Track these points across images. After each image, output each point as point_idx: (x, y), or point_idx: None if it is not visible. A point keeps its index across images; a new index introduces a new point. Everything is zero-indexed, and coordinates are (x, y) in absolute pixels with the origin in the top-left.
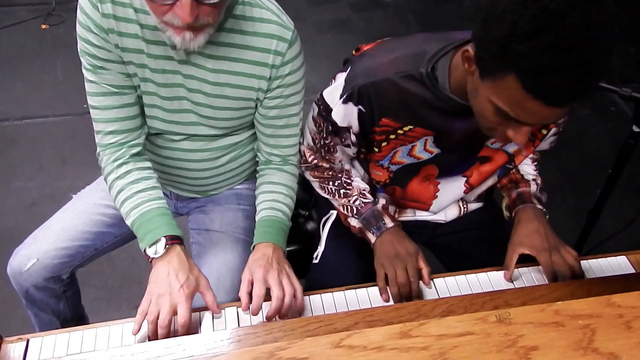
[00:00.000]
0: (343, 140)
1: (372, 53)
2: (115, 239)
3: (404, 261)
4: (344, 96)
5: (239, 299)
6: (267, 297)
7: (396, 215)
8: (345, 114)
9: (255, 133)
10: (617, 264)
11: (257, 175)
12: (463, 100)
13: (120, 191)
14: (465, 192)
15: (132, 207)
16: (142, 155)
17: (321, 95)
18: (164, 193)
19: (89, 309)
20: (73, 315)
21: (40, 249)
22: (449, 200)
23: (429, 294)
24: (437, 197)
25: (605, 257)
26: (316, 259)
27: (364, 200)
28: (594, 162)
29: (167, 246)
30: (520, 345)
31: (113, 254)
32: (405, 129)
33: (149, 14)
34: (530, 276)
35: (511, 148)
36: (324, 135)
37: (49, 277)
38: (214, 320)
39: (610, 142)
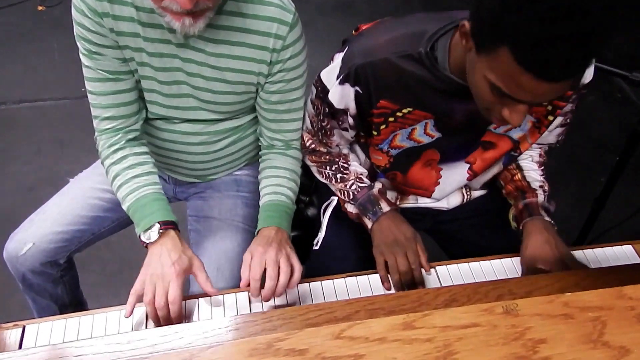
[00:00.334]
0: (340, 123)
1: (370, 33)
2: (113, 224)
3: (404, 247)
4: (341, 77)
5: (239, 286)
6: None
7: (398, 202)
8: (342, 96)
9: (256, 117)
10: (622, 253)
11: (259, 160)
12: (463, 80)
13: (116, 176)
14: (469, 180)
15: (128, 193)
16: (138, 140)
17: (319, 76)
18: (162, 177)
19: (88, 294)
20: (71, 300)
21: (36, 233)
22: (452, 187)
23: (432, 282)
24: (439, 183)
25: (611, 246)
26: (316, 245)
27: (360, 185)
28: (599, 149)
29: (160, 231)
30: (527, 337)
31: (112, 238)
32: (405, 111)
33: None
34: None
35: (516, 134)
36: (321, 118)
37: (45, 262)
38: (212, 307)
39: (616, 128)
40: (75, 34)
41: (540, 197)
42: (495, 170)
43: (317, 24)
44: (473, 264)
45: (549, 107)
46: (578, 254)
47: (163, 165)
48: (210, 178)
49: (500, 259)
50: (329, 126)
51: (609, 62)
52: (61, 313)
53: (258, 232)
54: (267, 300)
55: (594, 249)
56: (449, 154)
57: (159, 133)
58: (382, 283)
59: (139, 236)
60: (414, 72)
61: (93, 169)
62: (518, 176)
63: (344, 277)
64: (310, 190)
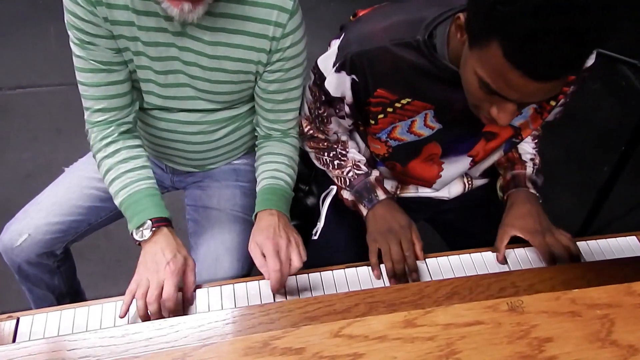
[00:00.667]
0: (337, 111)
1: (367, 19)
2: (110, 214)
3: (398, 235)
4: (337, 65)
5: (239, 276)
6: None
7: (398, 191)
8: (338, 84)
9: (254, 106)
10: (627, 244)
11: (256, 149)
12: None
13: (108, 170)
14: (469, 168)
15: (121, 188)
16: (131, 132)
17: (316, 63)
18: (159, 167)
19: (85, 283)
20: (68, 290)
21: (31, 224)
22: (452, 177)
23: (433, 273)
24: (441, 176)
25: (615, 237)
26: (315, 235)
27: (357, 172)
28: (602, 138)
29: (153, 229)
30: (533, 336)
31: (110, 227)
32: (403, 102)
33: None
34: (535, 255)
35: (518, 121)
36: (318, 106)
37: (41, 253)
38: (210, 299)
39: (620, 117)
40: (66, 22)
41: (529, 170)
42: (495, 157)
43: (317, 8)
44: (475, 255)
45: None
46: (581, 245)
47: (161, 154)
48: (209, 167)
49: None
50: (325, 114)
51: (613, 48)
52: (58, 303)
53: (256, 215)
54: (277, 292)
55: (598, 240)
56: (451, 147)
57: (157, 123)
58: (372, 270)
59: (132, 234)
60: (412, 60)
61: (88, 158)
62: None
63: (344, 268)
64: (310, 180)
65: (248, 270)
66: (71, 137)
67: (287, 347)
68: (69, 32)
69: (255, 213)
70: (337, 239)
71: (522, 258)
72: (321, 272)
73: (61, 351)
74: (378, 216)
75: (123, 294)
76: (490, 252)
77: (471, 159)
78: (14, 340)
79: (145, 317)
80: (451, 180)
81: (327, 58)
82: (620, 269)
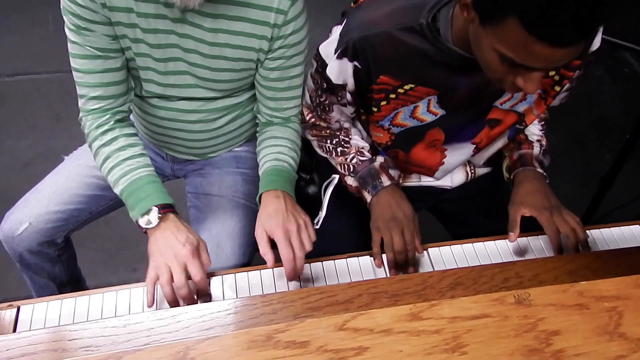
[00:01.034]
0: (339, 99)
1: (369, 4)
2: (111, 202)
3: (401, 225)
4: (339, 51)
5: (239, 265)
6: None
7: (400, 181)
8: (340, 71)
9: (255, 94)
10: (630, 233)
11: (257, 135)
12: (467, 52)
13: (106, 159)
14: (472, 156)
15: (121, 175)
16: (126, 121)
17: (317, 50)
18: (159, 155)
19: (86, 271)
20: (69, 278)
21: (32, 212)
22: (454, 165)
23: (436, 263)
24: (443, 163)
25: (618, 226)
26: (317, 224)
27: (361, 158)
28: (604, 125)
29: (160, 215)
30: (540, 329)
31: (110, 216)
32: (406, 87)
33: None
34: (538, 244)
35: (522, 107)
36: (320, 94)
37: (42, 242)
38: (211, 289)
39: (622, 105)
40: (62, 7)
41: (536, 150)
42: (499, 144)
43: None
44: (477, 245)
45: (556, 77)
46: None
47: (161, 143)
48: (209, 156)
49: (505, 239)
50: (327, 102)
51: (616, 35)
52: (59, 291)
53: (260, 197)
54: (292, 280)
55: (601, 229)
56: (454, 134)
57: (156, 111)
58: (374, 259)
59: (136, 221)
60: (416, 45)
61: (88, 146)
62: None
63: (346, 258)
64: (311, 168)
65: (250, 258)
66: (70, 125)
67: (291, 340)
68: (65, 18)
69: (259, 194)
70: (339, 228)
71: (525, 248)
72: (323, 262)
73: (62, 341)
74: (382, 203)
75: (123, 282)
76: (493, 242)
77: (474, 146)
78: (14, 329)
79: (175, 303)
80: (454, 168)
81: (328, 45)
82: (625, 258)
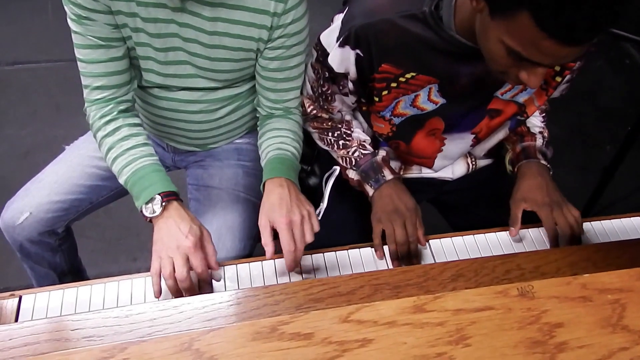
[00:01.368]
0: (341, 88)
1: None
2: (111, 193)
3: (403, 217)
4: (341, 39)
5: (241, 256)
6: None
7: (401, 172)
8: (342, 59)
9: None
10: (631, 225)
11: (258, 128)
12: (470, 41)
13: (110, 149)
14: (472, 146)
15: (124, 165)
16: (130, 111)
17: (318, 39)
18: (160, 146)
19: (86, 260)
20: (70, 268)
21: (33, 202)
22: (454, 155)
23: (437, 255)
24: (442, 150)
25: (620, 218)
26: (318, 216)
27: (363, 152)
28: (606, 116)
29: (163, 203)
30: (544, 321)
31: (110, 205)
32: (408, 76)
33: None
34: (539, 236)
35: (522, 98)
36: (322, 83)
37: (43, 231)
38: (212, 280)
39: (623, 95)
40: None
41: (539, 142)
42: (500, 135)
43: None
44: (479, 237)
45: (557, 68)
46: (586, 226)
47: (162, 134)
48: (210, 147)
49: (506, 231)
50: (329, 91)
51: (617, 25)
52: (60, 281)
53: (264, 185)
54: (292, 271)
55: (602, 221)
56: (454, 123)
57: (157, 101)
58: (375, 251)
59: (141, 210)
60: (418, 33)
61: (89, 136)
62: None
63: (347, 249)
64: (312, 160)
65: (250, 251)
66: (70, 114)
67: (296, 332)
68: (66, 8)
69: (263, 182)
70: (341, 220)
71: (526, 240)
72: (324, 253)
73: (65, 331)
74: (384, 196)
75: (124, 271)
76: (494, 234)
77: (474, 136)
78: (16, 319)
79: (178, 294)
80: (453, 158)
81: (330, 33)
82: (626, 250)
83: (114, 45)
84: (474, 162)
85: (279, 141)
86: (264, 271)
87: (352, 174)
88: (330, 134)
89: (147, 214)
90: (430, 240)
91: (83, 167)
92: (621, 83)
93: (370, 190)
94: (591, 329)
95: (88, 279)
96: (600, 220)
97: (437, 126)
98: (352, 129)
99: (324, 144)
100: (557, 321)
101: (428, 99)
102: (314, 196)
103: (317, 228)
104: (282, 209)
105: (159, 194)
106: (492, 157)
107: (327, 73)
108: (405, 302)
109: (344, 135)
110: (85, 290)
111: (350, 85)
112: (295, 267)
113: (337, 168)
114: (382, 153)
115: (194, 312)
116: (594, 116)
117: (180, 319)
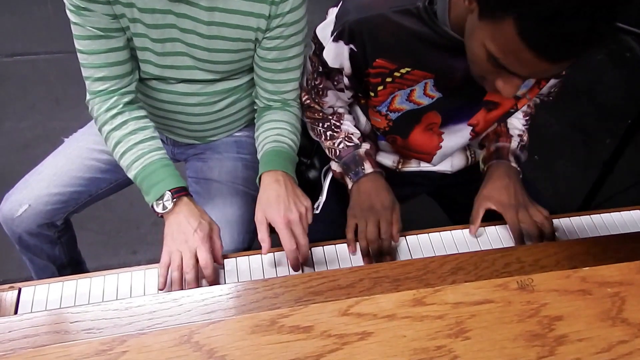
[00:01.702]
0: (336, 83)
1: None
2: (110, 185)
3: (378, 215)
4: (334, 33)
5: (241, 249)
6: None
7: (400, 166)
8: (336, 54)
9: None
10: (630, 218)
11: (255, 120)
12: (463, 38)
13: (117, 143)
14: (471, 140)
15: (133, 160)
16: (135, 103)
17: (314, 32)
18: (160, 138)
19: (86, 253)
20: (69, 260)
21: (32, 194)
22: (453, 149)
23: (437, 248)
24: (441, 147)
25: (619, 211)
26: (317, 209)
27: (348, 144)
28: (606, 110)
29: (174, 200)
30: (543, 314)
31: (110, 198)
32: (403, 71)
33: None
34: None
35: (519, 91)
36: (315, 77)
37: (42, 224)
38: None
39: (624, 89)
40: None
41: (514, 144)
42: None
43: None
44: (478, 230)
45: None
46: (585, 219)
47: (161, 126)
48: (210, 139)
49: (505, 224)
50: (322, 86)
51: (617, 18)
52: (59, 273)
53: (260, 178)
54: (297, 270)
55: (602, 214)
56: (451, 116)
57: (156, 94)
58: (348, 246)
59: (152, 206)
60: (412, 28)
61: (88, 128)
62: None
63: (346, 243)
64: (311, 153)
65: (249, 244)
66: (70, 106)
67: (295, 325)
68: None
69: (259, 175)
70: (340, 213)
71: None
72: (324, 247)
73: (64, 323)
74: (362, 191)
75: (123, 264)
76: (493, 227)
77: (471, 128)
78: (16, 312)
79: (181, 287)
80: (452, 153)
81: (325, 27)
82: (625, 243)
83: (114, 36)
84: (473, 155)
85: (275, 133)
86: (263, 264)
87: (334, 166)
88: (320, 124)
89: (158, 210)
90: (430, 234)
91: (82, 160)
92: (622, 76)
93: (349, 183)
94: (591, 322)
95: (87, 272)
96: (599, 213)
97: (434, 120)
98: (341, 121)
99: (315, 134)
100: (557, 314)
101: (424, 93)
102: (313, 189)
103: (310, 220)
104: (279, 206)
105: (169, 190)
106: None
107: (321, 67)
108: (405, 295)
109: (333, 127)
110: (84, 283)
111: (346, 80)
112: (304, 262)
113: None
114: (365, 146)
115: (194, 305)
116: (594, 110)
117: (179, 312)
